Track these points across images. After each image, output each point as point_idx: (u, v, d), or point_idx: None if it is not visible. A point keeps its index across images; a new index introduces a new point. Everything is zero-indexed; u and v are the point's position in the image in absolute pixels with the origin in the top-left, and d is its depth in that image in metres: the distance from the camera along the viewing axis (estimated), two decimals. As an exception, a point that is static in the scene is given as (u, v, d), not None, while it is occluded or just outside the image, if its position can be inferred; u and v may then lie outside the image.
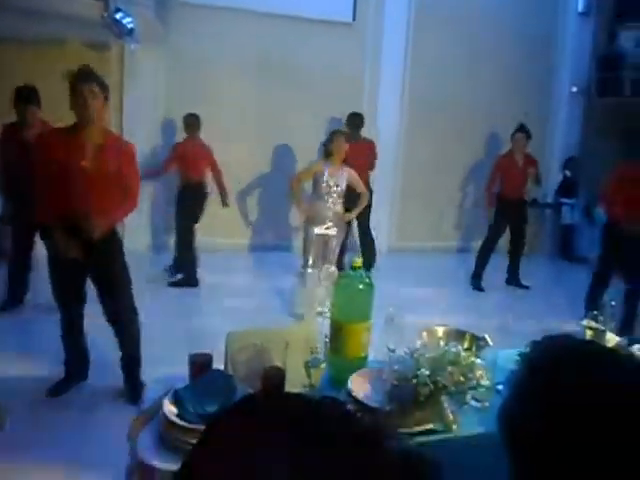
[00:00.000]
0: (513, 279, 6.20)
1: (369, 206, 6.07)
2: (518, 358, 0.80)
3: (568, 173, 7.74)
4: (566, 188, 7.71)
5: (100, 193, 2.93)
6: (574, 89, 7.96)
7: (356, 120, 6.02)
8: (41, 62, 5.72)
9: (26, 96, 4.14)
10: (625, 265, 4.62)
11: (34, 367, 3.43)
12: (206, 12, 6.48)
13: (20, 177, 3.87)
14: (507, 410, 0.75)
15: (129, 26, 5.58)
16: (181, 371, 1.58)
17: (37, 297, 4.42)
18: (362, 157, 5.74)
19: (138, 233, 6.49)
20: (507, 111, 7.35)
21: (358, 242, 6.47)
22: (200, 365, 1.55)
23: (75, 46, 5.97)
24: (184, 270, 5.67)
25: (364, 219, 6.31)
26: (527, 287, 6.13)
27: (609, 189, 4.66)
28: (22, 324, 4.26)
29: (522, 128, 5.95)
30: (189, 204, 5.90)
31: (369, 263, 6.43)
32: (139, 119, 6.43)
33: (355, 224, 6.34)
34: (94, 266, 3.05)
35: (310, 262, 4.57)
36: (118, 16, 5.50)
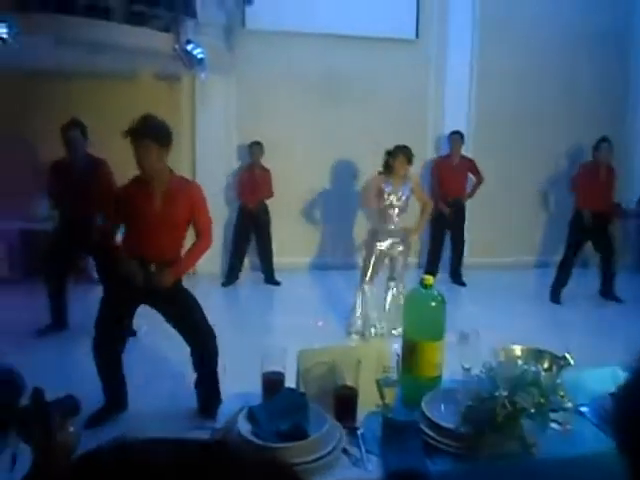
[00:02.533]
0: (606, 291, 5.97)
1: (464, 221, 6.44)
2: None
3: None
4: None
5: (172, 239, 3.05)
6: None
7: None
8: (113, 96, 6.05)
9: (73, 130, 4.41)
10: None
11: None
12: (271, 38, 6.69)
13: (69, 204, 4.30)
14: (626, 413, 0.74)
15: (199, 57, 5.83)
16: (251, 388, 1.60)
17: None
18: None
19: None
20: (581, 122, 7.07)
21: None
22: (273, 383, 1.57)
23: (146, 79, 6.29)
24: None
25: (459, 235, 6.39)
26: (621, 300, 5.89)
27: None
28: (65, 348, 4.28)
29: (606, 139, 5.76)
30: (247, 228, 6.21)
31: (459, 278, 6.54)
32: (212, 147, 6.69)
33: (449, 236, 6.40)
34: (158, 302, 3.12)
35: (367, 279, 4.54)
36: (189, 47, 5.77)
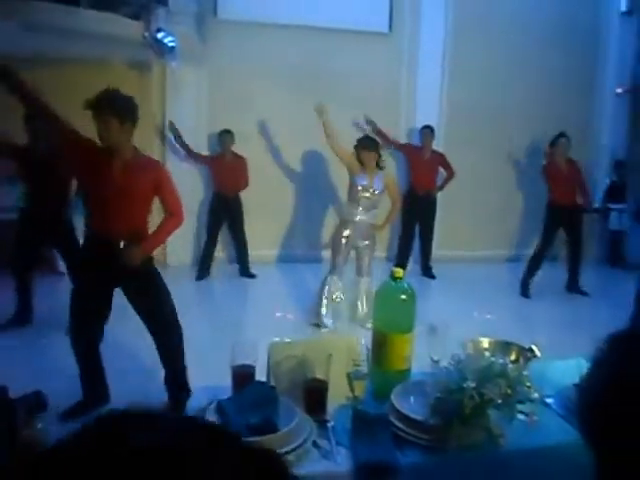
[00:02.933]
0: (573, 286, 6.11)
1: (434, 214, 6.51)
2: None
3: (615, 177, 7.50)
4: (614, 193, 7.46)
5: (133, 214, 2.98)
6: (619, 90, 7.72)
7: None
8: (82, 82, 5.89)
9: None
10: None
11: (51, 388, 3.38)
12: (244, 28, 6.62)
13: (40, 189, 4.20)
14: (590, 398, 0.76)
15: (170, 45, 5.74)
16: (222, 382, 1.58)
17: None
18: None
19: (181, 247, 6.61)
20: (550, 116, 7.19)
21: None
22: (243, 376, 1.55)
23: (116, 66, 6.16)
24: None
25: (429, 228, 6.43)
26: (586, 294, 6.03)
27: None
28: (30, 342, 4.15)
29: (564, 134, 5.89)
30: (220, 216, 6.16)
31: (428, 271, 6.62)
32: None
33: (418, 230, 6.50)
34: (130, 288, 3.06)
35: (335, 269, 4.55)
36: (159, 35, 5.68)
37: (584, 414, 0.76)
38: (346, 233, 4.57)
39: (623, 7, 7.60)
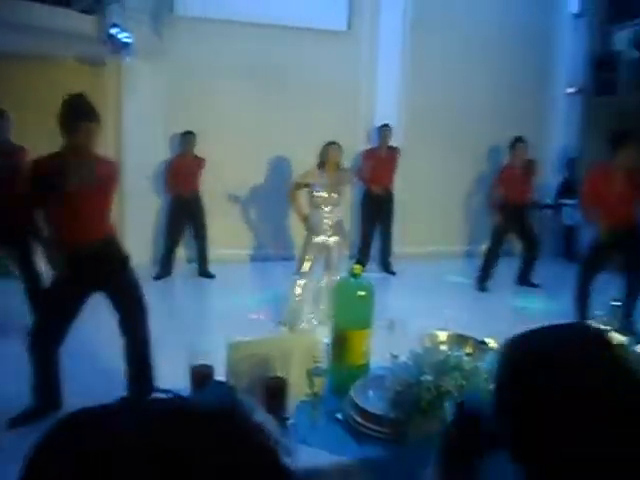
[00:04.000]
0: (523, 279, 6.31)
1: (393, 211, 6.60)
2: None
3: (567, 174, 7.75)
4: (566, 189, 7.70)
5: (107, 215, 2.99)
6: (570, 90, 7.97)
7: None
8: (33, 79, 5.72)
9: None
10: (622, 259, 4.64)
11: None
12: (203, 25, 6.52)
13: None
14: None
15: (125, 41, 5.62)
16: (180, 383, 1.56)
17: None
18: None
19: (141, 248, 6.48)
20: (504, 116, 7.36)
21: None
22: (201, 377, 1.53)
23: (69, 62, 5.99)
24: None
25: (388, 225, 6.44)
26: (537, 285, 6.24)
27: (585, 189, 4.70)
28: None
29: (521, 138, 6.12)
30: (181, 218, 6.10)
31: (387, 266, 6.69)
32: (140, 135, 6.45)
33: (378, 229, 6.53)
34: (107, 288, 3.05)
35: (304, 272, 4.56)
36: (114, 31, 5.54)
37: (497, 411, 0.80)
38: (314, 238, 4.57)
39: (574, 9, 7.86)
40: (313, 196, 4.56)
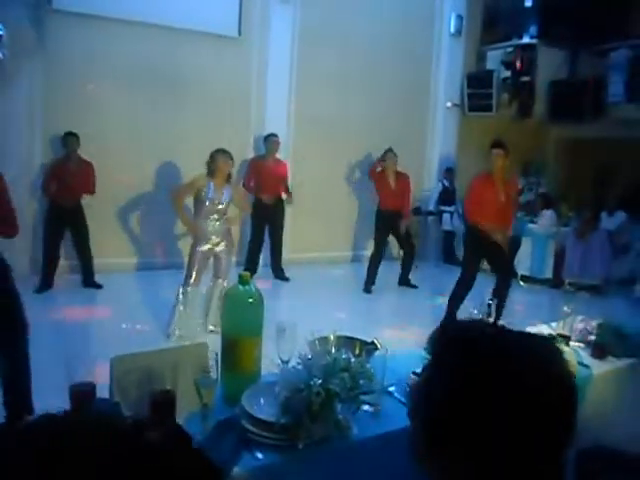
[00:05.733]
0: (403, 280, 6.74)
1: (283, 219, 6.72)
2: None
3: (446, 183, 8.27)
4: (445, 197, 8.23)
5: None
6: (448, 104, 8.54)
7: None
8: None
9: None
10: (491, 262, 5.05)
11: None
12: (87, 21, 6.18)
13: None
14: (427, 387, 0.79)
15: (-5, 34, 5.18)
16: (59, 404, 1.46)
17: None
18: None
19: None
20: (388, 127, 7.72)
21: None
22: (82, 396, 1.44)
23: None
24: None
25: (278, 231, 6.47)
26: (416, 287, 6.68)
27: (467, 197, 5.09)
28: None
29: (391, 149, 6.54)
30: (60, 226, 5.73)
31: (279, 272, 6.71)
32: (13, 136, 5.95)
33: (267, 234, 6.60)
34: None
35: (191, 280, 4.46)
36: (-19, 23, 5.09)
37: (424, 414, 0.80)
38: (201, 249, 4.48)
39: (452, 29, 8.44)
40: (200, 205, 4.47)
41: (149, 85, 6.57)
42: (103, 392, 1.50)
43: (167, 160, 6.83)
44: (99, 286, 5.94)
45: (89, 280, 5.97)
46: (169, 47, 6.62)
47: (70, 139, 5.78)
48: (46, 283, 5.75)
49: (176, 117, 6.71)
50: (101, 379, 1.50)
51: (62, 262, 6.06)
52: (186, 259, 4.70)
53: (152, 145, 6.67)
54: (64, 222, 5.80)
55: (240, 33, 7.07)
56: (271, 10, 7.19)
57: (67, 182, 5.72)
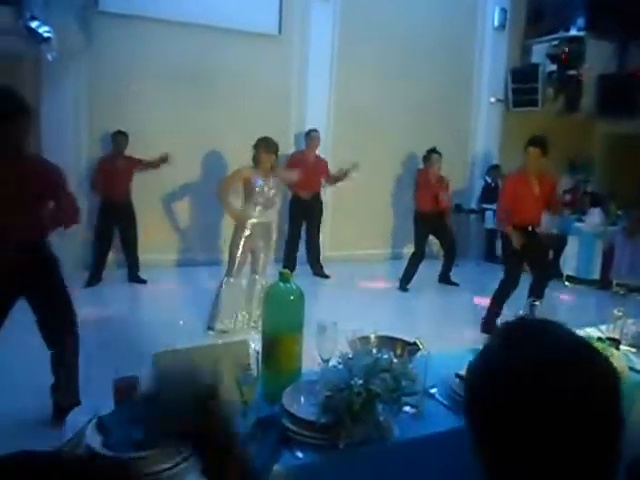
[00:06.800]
0: (443, 277, 6.66)
1: (320, 215, 6.65)
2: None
3: (489, 180, 8.09)
4: (488, 194, 8.05)
5: (31, 219, 2.81)
6: (492, 100, 8.35)
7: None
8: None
9: None
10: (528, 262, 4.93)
11: None
12: (130, 22, 6.31)
13: None
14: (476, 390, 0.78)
15: (45, 35, 5.34)
16: (106, 396, 1.49)
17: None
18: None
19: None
20: (430, 123, 7.61)
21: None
22: (126, 390, 1.47)
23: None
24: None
25: (316, 228, 6.48)
26: (456, 284, 6.58)
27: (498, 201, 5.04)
28: None
29: (435, 150, 6.39)
30: (110, 222, 5.88)
31: (318, 269, 6.71)
32: (60, 135, 6.13)
33: (305, 232, 6.60)
34: (32, 290, 2.90)
35: (233, 270, 4.50)
36: (33, 24, 5.26)
37: (470, 400, 0.79)
38: (244, 235, 4.52)
39: (495, 23, 8.25)
40: (248, 193, 4.52)
41: (191, 83, 6.66)
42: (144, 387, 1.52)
43: (208, 158, 6.92)
44: (143, 281, 6.08)
45: (134, 275, 6.12)
46: (210, 46, 6.70)
47: (119, 137, 5.94)
48: (95, 277, 5.92)
49: (217, 115, 6.79)
50: (144, 373, 1.52)
51: (109, 256, 6.22)
52: (226, 255, 4.75)
53: (193, 143, 6.77)
54: (114, 219, 5.95)
55: (280, 31, 7.10)
56: (311, 7, 7.18)
57: (116, 179, 5.86)
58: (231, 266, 4.54)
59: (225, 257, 4.88)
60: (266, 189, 4.51)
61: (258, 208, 4.53)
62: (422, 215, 6.35)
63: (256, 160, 4.55)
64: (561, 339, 0.76)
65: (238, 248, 4.52)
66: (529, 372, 0.72)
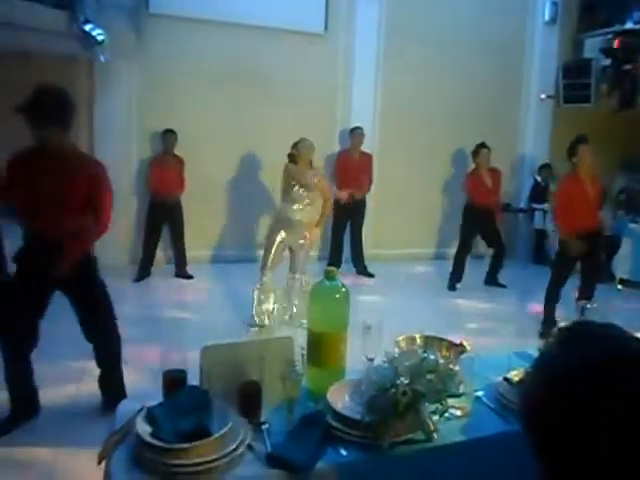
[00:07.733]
0: (490, 279, 6.49)
1: (364, 213, 6.61)
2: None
3: (539, 179, 7.87)
4: (537, 193, 7.83)
5: (67, 216, 2.85)
6: (542, 96, 8.11)
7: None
8: (3, 74, 5.58)
9: None
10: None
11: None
12: (180, 24, 6.46)
13: None
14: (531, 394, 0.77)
15: (99, 38, 5.51)
16: (154, 387, 1.53)
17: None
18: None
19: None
20: (478, 120, 7.45)
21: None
22: (174, 382, 1.50)
23: (40, 58, 5.84)
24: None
25: (359, 226, 6.46)
26: (504, 286, 6.42)
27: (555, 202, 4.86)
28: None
29: (484, 145, 6.29)
30: (160, 219, 6.02)
31: (362, 268, 6.68)
32: (113, 134, 6.34)
33: (349, 229, 6.58)
34: (70, 289, 2.96)
35: (268, 267, 4.54)
36: (87, 28, 5.44)
37: (522, 410, 0.78)
38: (281, 232, 4.57)
39: (546, 17, 8.01)
40: (288, 191, 4.57)
41: (238, 83, 6.75)
42: (193, 379, 1.55)
43: (253, 156, 7.00)
44: (190, 277, 6.21)
45: (181, 271, 6.26)
46: (257, 45, 6.77)
47: (169, 136, 6.09)
48: (144, 272, 6.09)
49: (263, 113, 6.86)
50: (192, 366, 1.56)
51: (157, 252, 6.39)
52: (263, 248, 4.79)
53: (239, 141, 6.86)
54: (163, 216, 6.11)
55: (326, 29, 7.11)
56: (357, 4, 7.16)
57: (166, 178, 6.02)
58: (265, 262, 4.59)
59: (259, 254, 4.93)
60: (303, 186, 4.55)
61: (296, 206, 4.56)
62: (471, 211, 6.23)
63: (294, 158, 4.62)
64: (623, 342, 0.75)
65: (273, 244, 4.57)
66: (592, 376, 0.71)
